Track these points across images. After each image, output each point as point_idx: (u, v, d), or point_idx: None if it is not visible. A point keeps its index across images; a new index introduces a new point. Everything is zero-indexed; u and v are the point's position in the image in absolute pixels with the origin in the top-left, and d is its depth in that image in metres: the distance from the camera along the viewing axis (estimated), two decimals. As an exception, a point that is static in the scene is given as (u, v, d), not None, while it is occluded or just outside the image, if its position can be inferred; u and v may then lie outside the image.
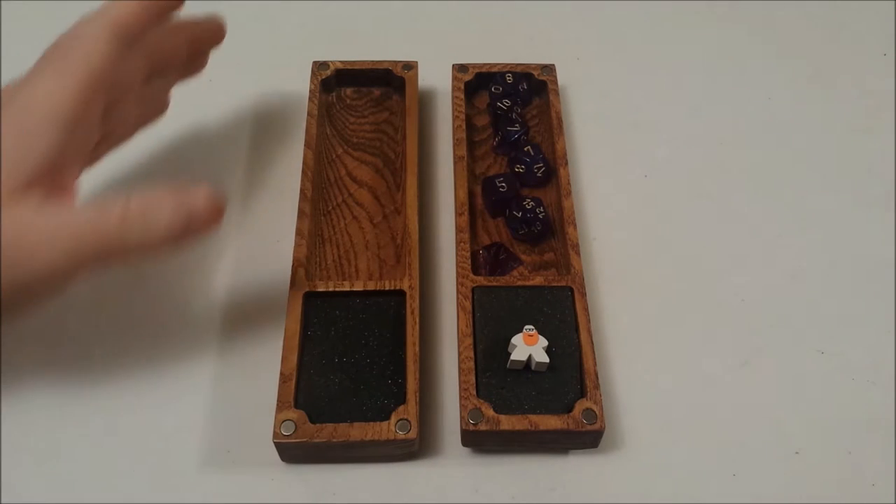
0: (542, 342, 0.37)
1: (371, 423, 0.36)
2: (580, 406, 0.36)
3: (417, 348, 0.38)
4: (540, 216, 0.43)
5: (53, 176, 0.34)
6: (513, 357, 0.37)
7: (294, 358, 0.37)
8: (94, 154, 0.39)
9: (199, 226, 0.33)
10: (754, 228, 0.46)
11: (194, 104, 0.51)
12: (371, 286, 0.40)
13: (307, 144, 0.45)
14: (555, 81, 0.48)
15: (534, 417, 0.36)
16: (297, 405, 0.36)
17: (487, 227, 0.44)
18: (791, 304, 0.43)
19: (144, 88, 0.40)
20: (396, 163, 0.47)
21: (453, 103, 0.48)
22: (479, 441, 0.37)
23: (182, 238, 0.33)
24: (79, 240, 0.32)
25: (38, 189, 0.33)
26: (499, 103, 0.47)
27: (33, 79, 0.35)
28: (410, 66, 0.49)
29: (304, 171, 0.44)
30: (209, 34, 0.42)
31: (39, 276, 0.32)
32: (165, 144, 0.48)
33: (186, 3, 0.52)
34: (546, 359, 0.37)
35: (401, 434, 0.35)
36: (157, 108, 0.43)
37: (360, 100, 0.49)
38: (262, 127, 0.50)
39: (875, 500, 0.37)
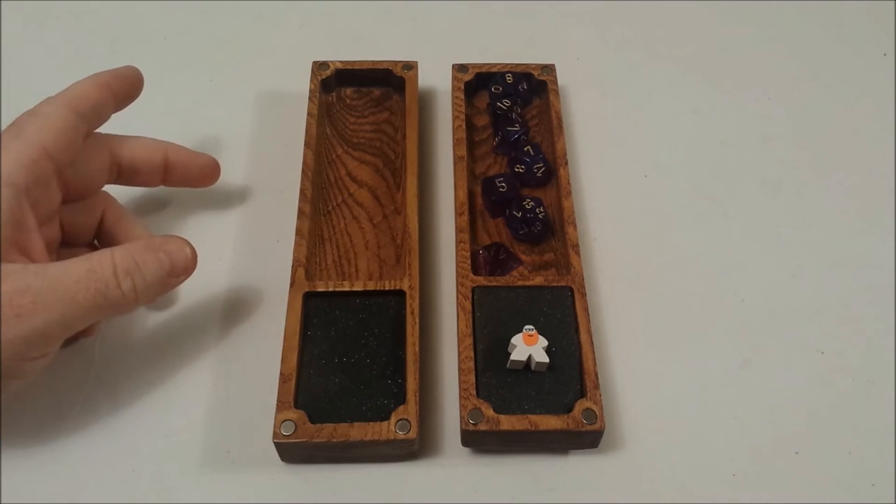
0: (542, 342, 0.37)
1: (371, 423, 0.36)
2: (580, 406, 0.36)
3: (417, 348, 0.38)
4: (540, 216, 0.43)
5: (21, 243, 0.34)
6: (513, 357, 0.37)
7: (294, 358, 0.37)
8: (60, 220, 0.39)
9: (180, 274, 0.36)
10: (754, 228, 0.46)
11: (195, 104, 0.51)
12: (371, 286, 0.40)
13: (307, 144, 0.45)
14: (555, 81, 0.48)
15: (534, 417, 0.36)
16: (297, 405, 0.36)
17: (487, 227, 0.44)
18: (791, 304, 0.43)
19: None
20: (396, 163, 0.47)
21: (453, 103, 0.48)
22: (479, 441, 0.37)
23: (166, 288, 0.36)
24: (73, 296, 0.32)
25: (12, 255, 0.33)
26: (499, 103, 0.47)
27: None
28: (410, 66, 0.49)
29: (304, 171, 0.44)
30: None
31: (35, 338, 0.32)
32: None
33: (189, 2, 0.52)
34: (546, 359, 0.37)
35: (401, 434, 0.35)
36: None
37: (360, 100, 0.49)
38: (262, 127, 0.50)
39: (875, 500, 0.37)
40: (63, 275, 0.32)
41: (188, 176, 0.43)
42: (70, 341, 0.39)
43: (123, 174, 0.41)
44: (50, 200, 0.37)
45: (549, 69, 0.49)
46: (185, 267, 0.36)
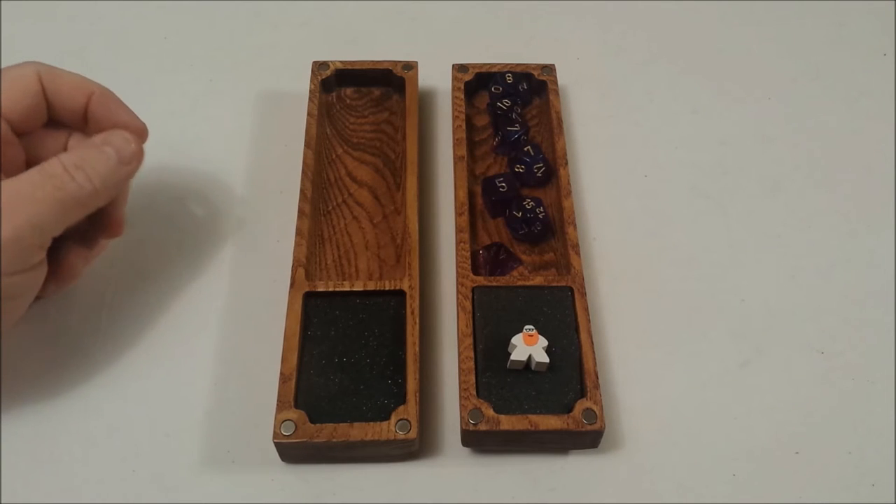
0: (542, 342, 0.37)
1: (371, 423, 0.36)
2: (580, 406, 0.36)
3: (417, 348, 0.38)
4: (540, 216, 0.43)
5: None
6: (513, 357, 0.37)
7: (294, 358, 0.37)
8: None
9: (130, 162, 0.37)
10: (754, 228, 0.46)
11: (195, 104, 0.51)
12: (371, 286, 0.40)
13: (307, 144, 0.45)
14: (555, 81, 0.48)
15: (534, 417, 0.36)
16: (297, 405, 0.36)
17: (487, 227, 0.44)
18: (791, 304, 0.43)
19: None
20: (396, 163, 0.47)
21: (453, 103, 0.48)
22: (479, 441, 0.37)
23: (121, 175, 0.36)
24: (33, 198, 0.33)
25: None
26: (499, 103, 0.47)
27: None
28: (410, 66, 0.49)
29: (304, 171, 0.44)
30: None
31: (9, 249, 0.32)
32: (166, 144, 0.48)
33: (189, 2, 0.52)
34: (546, 359, 0.37)
35: (401, 434, 0.35)
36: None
37: (360, 100, 0.49)
38: (262, 127, 0.50)
39: (875, 500, 0.37)
40: (17, 182, 0.33)
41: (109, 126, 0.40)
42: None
43: (49, 108, 0.39)
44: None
45: (549, 69, 0.49)
46: (133, 156, 0.37)
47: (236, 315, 0.42)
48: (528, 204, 0.43)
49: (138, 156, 0.37)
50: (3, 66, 0.39)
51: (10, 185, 0.33)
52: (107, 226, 0.39)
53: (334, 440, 0.35)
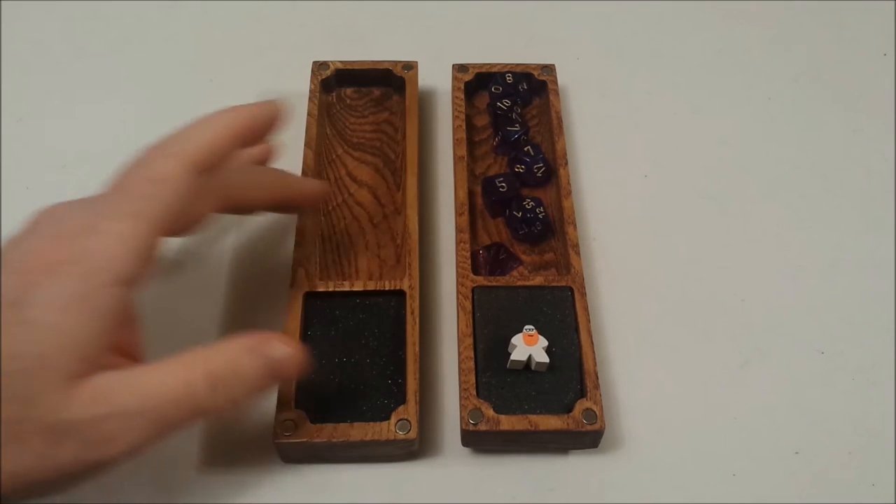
0: (542, 342, 0.37)
1: (371, 423, 0.36)
2: (580, 406, 0.36)
3: (417, 348, 0.38)
4: (540, 216, 0.43)
5: (121, 344, 0.31)
6: (513, 357, 0.37)
7: (294, 358, 0.37)
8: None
9: (281, 376, 0.33)
10: (754, 228, 0.46)
11: (194, 105, 0.51)
12: (371, 286, 0.40)
13: (307, 144, 0.45)
14: (555, 81, 0.48)
15: (534, 417, 0.36)
16: (297, 405, 0.36)
17: (487, 227, 0.44)
18: (791, 304, 0.43)
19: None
20: (396, 163, 0.47)
21: (453, 103, 0.48)
22: (479, 441, 0.37)
23: (265, 389, 0.32)
24: (164, 416, 0.29)
25: (106, 357, 0.30)
26: (499, 103, 0.47)
27: (98, 223, 0.30)
28: (410, 66, 0.49)
29: (304, 171, 0.44)
30: (303, 195, 0.41)
31: (118, 458, 0.29)
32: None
33: (189, 2, 0.52)
34: (546, 359, 0.37)
35: (401, 434, 0.35)
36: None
37: (360, 100, 0.49)
38: (262, 127, 0.50)
39: (875, 500, 0.37)
40: (158, 388, 0.29)
41: (291, 207, 0.42)
42: None
43: (228, 211, 0.39)
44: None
45: (549, 69, 0.49)
46: (288, 374, 0.33)
47: (236, 315, 0.42)
48: (528, 204, 0.43)
49: (292, 374, 0.33)
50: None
51: (149, 392, 0.29)
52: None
53: (334, 440, 0.35)
